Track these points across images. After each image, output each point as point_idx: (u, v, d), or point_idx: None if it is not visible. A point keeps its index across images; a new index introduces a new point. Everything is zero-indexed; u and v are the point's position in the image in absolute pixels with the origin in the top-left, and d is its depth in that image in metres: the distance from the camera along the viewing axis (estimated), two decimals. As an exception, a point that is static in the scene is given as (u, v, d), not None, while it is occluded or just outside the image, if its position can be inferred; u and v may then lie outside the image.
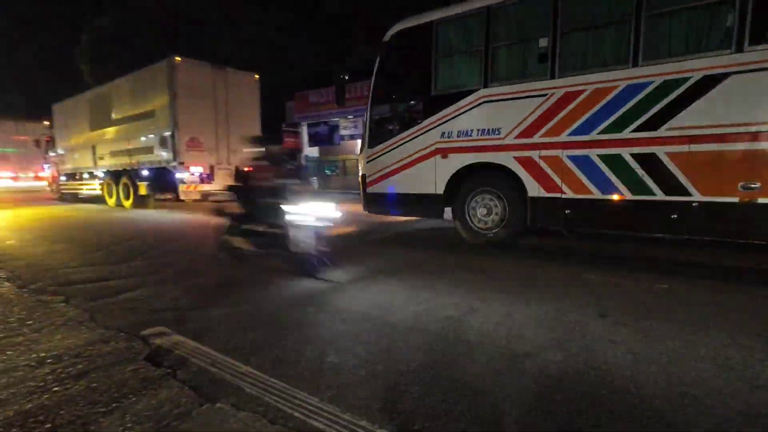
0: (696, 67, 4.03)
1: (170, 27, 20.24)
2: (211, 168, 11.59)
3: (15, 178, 21.82)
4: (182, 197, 11.26)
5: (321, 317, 3.06)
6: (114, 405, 1.93)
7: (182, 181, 11.09)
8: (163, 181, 11.65)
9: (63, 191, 16.93)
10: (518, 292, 3.59)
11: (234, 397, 1.99)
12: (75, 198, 16.29)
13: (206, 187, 11.48)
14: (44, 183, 18.91)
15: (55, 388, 2.09)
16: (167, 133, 11.17)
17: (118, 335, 2.76)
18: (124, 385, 2.11)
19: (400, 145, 6.02)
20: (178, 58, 10.96)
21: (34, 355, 2.47)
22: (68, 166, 16.24)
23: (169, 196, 11.79)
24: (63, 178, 16.81)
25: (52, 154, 17.20)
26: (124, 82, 12.91)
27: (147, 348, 2.55)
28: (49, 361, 2.40)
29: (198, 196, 11.55)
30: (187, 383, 2.12)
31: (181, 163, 11.03)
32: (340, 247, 5.34)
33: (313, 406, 1.91)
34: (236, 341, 2.64)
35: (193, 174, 11.23)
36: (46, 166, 18.24)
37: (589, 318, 2.94)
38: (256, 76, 12.80)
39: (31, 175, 20.12)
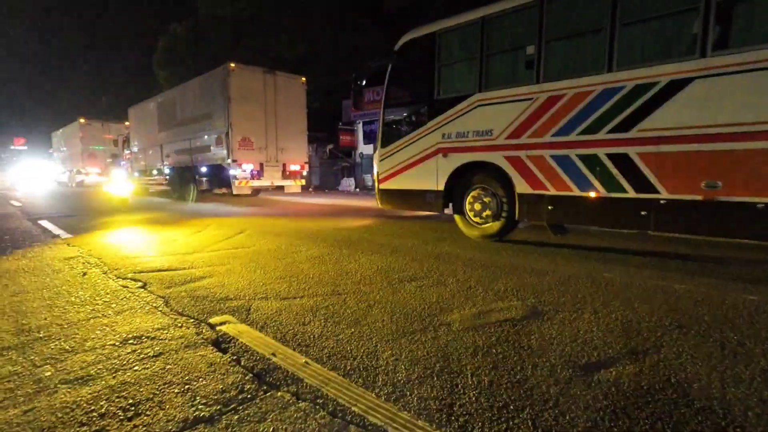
0: (663, 72, 4.31)
1: (237, 30, 21.36)
2: (261, 165, 12.53)
3: (101, 174, 24.12)
4: (235, 192, 12.25)
5: (375, 313, 3.07)
6: (186, 386, 2.05)
7: (235, 177, 12.07)
8: (219, 177, 12.82)
9: (136, 185, 18.50)
10: (583, 296, 3.39)
11: (294, 387, 2.04)
12: (146, 192, 18.01)
13: (256, 183, 12.50)
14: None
15: (136, 367, 2.27)
16: (222, 133, 12.19)
17: (188, 321, 2.94)
18: (194, 368, 2.24)
19: (408, 145, 6.65)
20: (232, 65, 11.89)
21: (118, 336, 2.70)
22: (140, 163, 18.08)
23: (224, 191, 12.91)
24: (136, 174, 18.60)
25: (127, 152, 19.22)
26: (187, 86, 14.22)
27: (214, 334, 2.70)
28: (130, 341, 2.61)
29: (249, 191, 12.62)
30: (251, 370, 2.21)
31: (234, 161, 12.00)
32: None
33: (370, 402, 1.92)
34: (295, 332, 2.72)
35: (244, 171, 12.16)
36: (123, 162, 20.29)
37: (664, 328, 2.71)
38: (303, 79, 13.57)
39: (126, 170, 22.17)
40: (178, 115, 14.73)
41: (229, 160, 12.08)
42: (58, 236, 6.84)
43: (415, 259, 4.83)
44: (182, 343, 2.57)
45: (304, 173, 14.08)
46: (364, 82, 7.95)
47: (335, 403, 1.90)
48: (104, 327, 2.85)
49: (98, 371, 2.23)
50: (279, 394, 1.98)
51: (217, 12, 21.33)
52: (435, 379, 2.12)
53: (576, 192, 5.01)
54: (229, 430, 1.72)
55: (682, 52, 4.24)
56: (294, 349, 2.46)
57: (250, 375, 2.16)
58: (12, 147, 33.62)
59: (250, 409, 1.86)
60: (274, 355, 2.38)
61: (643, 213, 4.55)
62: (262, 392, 1.99)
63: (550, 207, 5.24)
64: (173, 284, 3.87)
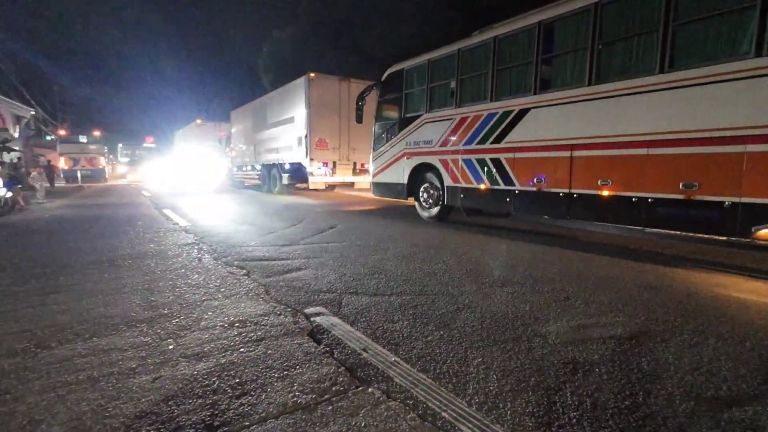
0: (516, 103, 6.29)
1: (335, 33, 22.40)
2: (334, 163, 13.97)
3: (213, 169, 27.04)
4: (311, 186, 14.25)
5: (463, 316, 3.00)
6: (285, 372, 2.19)
7: (311, 174, 13.72)
8: (298, 174, 14.57)
9: (234, 179, 21.95)
10: (707, 318, 2.97)
11: (384, 385, 2.07)
12: (242, 185, 20.74)
13: (329, 179, 14.21)
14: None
15: (241, 349, 2.48)
16: (302, 135, 13.73)
17: (286, 310, 3.14)
18: (292, 356, 2.38)
19: (389, 149, 8.96)
20: (312, 74, 13.38)
21: (226, 318, 2.98)
22: (238, 160, 20.80)
23: (302, 185, 14.75)
24: (234, 169, 21.55)
25: (228, 150, 22.14)
26: (276, 93, 16.13)
27: (309, 325, 2.85)
28: (236, 324, 2.86)
29: (323, 186, 14.70)
30: (343, 363, 2.29)
31: (312, 159, 13.60)
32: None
33: (460, 410, 1.87)
34: (384, 329, 2.76)
35: (320, 168, 13.76)
36: (225, 159, 23.41)
37: (818, 366, 2.26)
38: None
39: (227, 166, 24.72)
40: (268, 118, 16.58)
41: (307, 159, 13.59)
42: (177, 224, 7.77)
43: (508, 265, 4.63)
44: (281, 330, 2.75)
45: None
46: (363, 102, 9.88)
47: (425, 406, 1.89)
48: (215, 309, 3.16)
49: (210, 349, 2.47)
50: (370, 390, 2.02)
51: (316, 18, 22.57)
52: (530, 393, 2.00)
53: (475, 185, 7.07)
54: (324, 419, 1.79)
55: (525, 90, 6.22)
56: (384, 347, 2.50)
57: (343, 368, 2.23)
58: (145, 144, 39.21)
59: (343, 402, 1.92)
60: (365, 350, 2.44)
61: (507, 200, 6.51)
62: (353, 387, 2.05)
63: (462, 195, 7.36)
64: (272, 273, 4.17)
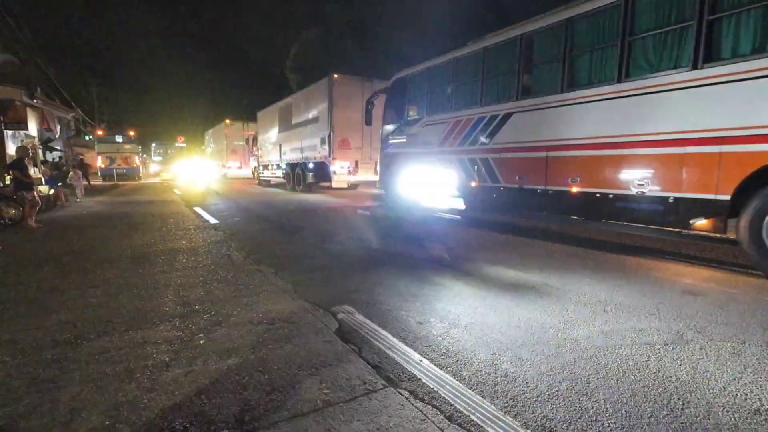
0: (501, 108, 6.80)
1: (362, 33, 22.52)
2: (356, 162, 13.99)
3: (240, 167, 27.59)
4: (334, 185, 14.24)
5: (491, 319, 2.95)
6: (313, 370, 2.21)
7: (334, 173, 13.85)
8: (322, 173, 14.77)
9: (260, 178, 22.34)
10: (746, 324, 2.82)
11: (411, 385, 2.06)
12: (267, 183, 21.21)
13: (352, 178, 14.22)
14: (250, 171, 25.63)
15: (270, 346, 2.52)
16: (326, 135, 13.91)
17: (313, 308, 3.17)
18: (320, 354, 2.40)
19: (394, 149, 9.69)
20: (336, 75, 13.50)
21: (255, 315, 3.03)
22: (264, 159, 21.29)
23: (325, 184, 14.84)
24: (260, 168, 22.01)
25: (255, 149, 22.87)
26: (301, 94, 16.44)
27: (336, 323, 2.87)
28: (265, 321, 2.90)
29: (345, 185, 14.57)
30: (371, 363, 2.29)
31: (334, 159, 13.72)
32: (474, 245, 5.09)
33: (488, 413, 1.84)
34: (410, 331, 2.75)
35: (342, 167, 13.86)
36: (251, 158, 24.14)
37: None
38: None
39: (254, 164, 25.22)
40: (293, 119, 16.90)
41: (330, 158, 13.76)
42: (207, 221, 7.97)
43: (540, 268, 4.54)
44: (309, 328, 2.78)
45: None
46: (372, 106, 10.41)
47: (452, 408, 1.87)
48: (245, 306, 3.23)
49: (240, 346, 2.52)
50: (397, 390, 2.02)
51: (342, 18, 22.74)
52: (561, 398, 1.95)
53: (467, 182, 7.56)
54: (353, 418, 1.80)
55: (509, 97, 6.70)
56: (410, 347, 2.49)
57: (371, 367, 2.24)
58: (177, 144, 40.56)
59: (372, 401, 1.93)
60: (391, 350, 2.44)
61: (494, 195, 7.05)
62: (381, 386, 2.05)
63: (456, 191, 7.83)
64: (300, 272, 4.22)
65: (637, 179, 4.94)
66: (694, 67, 4.39)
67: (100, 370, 2.22)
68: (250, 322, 2.89)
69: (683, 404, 1.91)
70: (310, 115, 15.28)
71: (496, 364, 2.29)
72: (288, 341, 2.57)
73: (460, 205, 7.73)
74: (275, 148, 19.26)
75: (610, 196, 5.25)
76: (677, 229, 4.81)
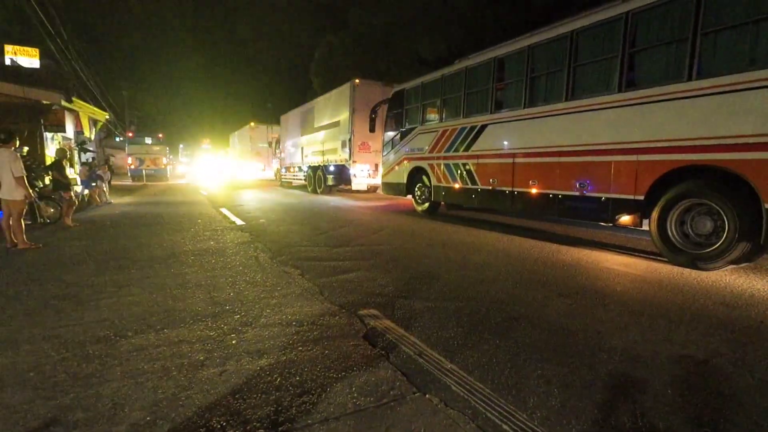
0: (478, 120, 7.92)
1: (385, 37, 22.61)
2: (376, 166, 14.11)
3: (264, 170, 28.05)
4: (354, 188, 14.67)
5: (521, 324, 2.92)
6: (343, 374, 2.23)
7: (354, 176, 14.24)
8: (342, 175, 15.29)
9: (282, 180, 22.85)
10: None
11: (442, 393, 2.06)
12: (289, 185, 21.57)
13: (371, 181, 14.49)
14: (273, 174, 26.22)
15: (300, 348, 2.55)
16: (346, 138, 14.26)
17: (340, 311, 3.20)
18: (349, 357, 2.43)
19: (394, 154, 10.77)
20: (357, 80, 13.95)
21: (284, 317, 3.08)
22: (286, 162, 21.74)
23: (345, 187, 15.34)
24: (283, 170, 22.46)
25: (277, 152, 23.27)
26: (323, 98, 16.71)
27: (364, 327, 2.88)
28: (294, 323, 2.95)
29: (365, 188, 14.90)
30: (399, 368, 2.30)
31: (355, 162, 14.09)
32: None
33: (522, 423, 1.82)
34: (438, 336, 2.74)
35: (362, 170, 14.26)
36: (274, 161, 24.63)
37: None
38: None
39: (277, 167, 25.64)
40: (315, 122, 17.21)
41: (350, 161, 14.12)
42: (234, 222, 8.14)
43: (570, 275, 4.47)
44: (337, 331, 2.81)
45: None
46: (375, 115, 11.59)
47: (484, 417, 1.86)
48: (273, 307, 3.28)
49: (271, 347, 2.56)
50: (428, 397, 2.02)
51: (365, 22, 22.86)
52: (596, 411, 1.92)
53: (452, 184, 8.64)
54: (384, 423, 1.81)
55: (484, 110, 7.80)
56: (439, 353, 2.48)
57: (400, 373, 2.24)
58: (202, 146, 41.67)
59: (402, 407, 1.93)
60: (420, 356, 2.44)
61: (473, 196, 8.10)
62: (411, 392, 2.05)
63: (443, 193, 9.00)
64: (326, 274, 4.26)
65: (578, 181, 5.92)
66: (619, 90, 5.32)
67: (139, 367, 2.29)
68: (280, 324, 2.93)
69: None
70: (332, 119, 15.58)
71: (526, 371, 2.26)
72: (316, 343, 2.60)
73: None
74: (297, 150, 19.67)
75: (560, 196, 6.25)
76: (608, 224, 5.85)
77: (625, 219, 5.35)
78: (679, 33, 4.68)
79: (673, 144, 4.77)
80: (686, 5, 4.60)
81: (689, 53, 4.57)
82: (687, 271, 4.59)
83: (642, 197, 5.10)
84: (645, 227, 5.27)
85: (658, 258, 5.12)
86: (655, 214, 4.97)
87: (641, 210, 5.16)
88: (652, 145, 4.98)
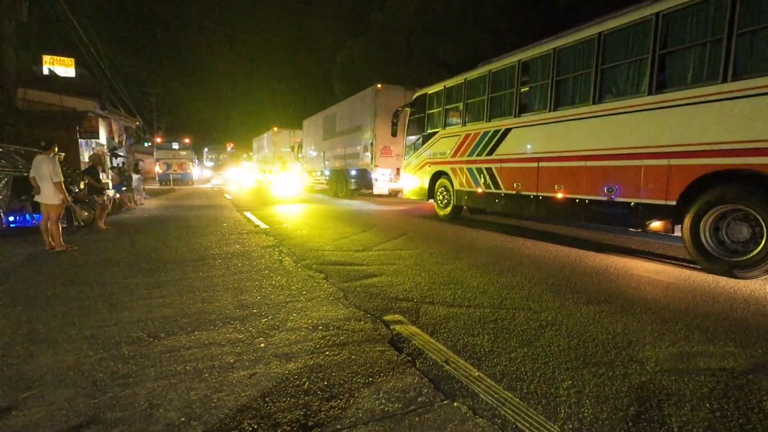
0: (502, 123, 7.84)
1: (407, 40, 22.71)
2: (398, 170, 14.03)
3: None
4: (375, 192, 14.54)
5: (548, 331, 2.86)
6: (370, 379, 2.24)
7: (376, 180, 14.23)
8: (364, 180, 15.29)
9: (304, 184, 23.07)
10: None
11: (470, 401, 2.04)
12: (311, 189, 21.83)
13: (393, 185, 14.39)
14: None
15: (326, 352, 2.58)
16: (368, 143, 14.33)
17: (365, 316, 3.22)
18: (375, 362, 2.43)
19: (416, 158, 10.82)
20: (379, 85, 13.93)
21: (310, 321, 3.11)
22: (308, 166, 21.97)
23: (367, 191, 15.27)
24: (305, 174, 22.70)
25: (300, 156, 23.48)
26: (345, 103, 16.82)
27: (389, 333, 2.89)
28: (320, 327, 2.98)
29: (386, 192, 14.74)
30: (426, 375, 2.29)
31: (376, 166, 14.10)
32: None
33: (552, 434, 1.79)
34: (464, 342, 2.72)
35: (383, 174, 14.24)
36: (297, 164, 24.73)
37: None
38: None
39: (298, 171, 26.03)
40: (337, 127, 17.38)
41: (372, 165, 14.14)
42: (258, 226, 8.28)
43: (598, 282, 4.37)
44: (363, 336, 2.82)
45: None
46: (398, 120, 11.59)
47: (515, 427, 1.84)
48: (299, 311, 3.32)
49: (298, 350, 2.60)
50: (455, 404, 2.01)
51: (387, 26, 23.01)
52: (630, 424, 1.87)
53: (475, 188, 8.63)
54: (413, 430, 1.80)
55: (508, 114, 7.70)
56: (466, 360, 2.46)
57: (426, 379, 2.24)
58: (227, 149, 42.68)
59: (430, 414, 1.93)
60: (447, 363, 2.43)
61: (496, 200, 8.05)
62: (439, 400, 2.05)
63: (466, 197, 9.03)
64: (350, 279, 4.29)
65: (606, 186, 5.81)
66: (650, 93, 5.20)
67: (172, 368, 2.36)
68: (306, 328, 2.97)
69: None
70: (354, 124, 15.71)
71: (556, 381, 2.22)
72: (343, 348, 2.62)
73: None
74: (319, 155, 19.90)
75: (587, 201, 6.14)
76: (637, 230, 5.76)
77: (656, 225, 5.23)
78: (714, 33, 4.53)
79: (707, 148, 4.61)
80: (721, 4, 4.46)
81: (724, 54, 4.42)
82: (722, 279, 4.42)
83: (674, 202, 4.97)
84: (677, 233, 5.10)
85: (691, 265, 4.96)
86: (687, 220, 4.83)
87: (673, 216, 5.04)
88: (684, 148, 4.85)
